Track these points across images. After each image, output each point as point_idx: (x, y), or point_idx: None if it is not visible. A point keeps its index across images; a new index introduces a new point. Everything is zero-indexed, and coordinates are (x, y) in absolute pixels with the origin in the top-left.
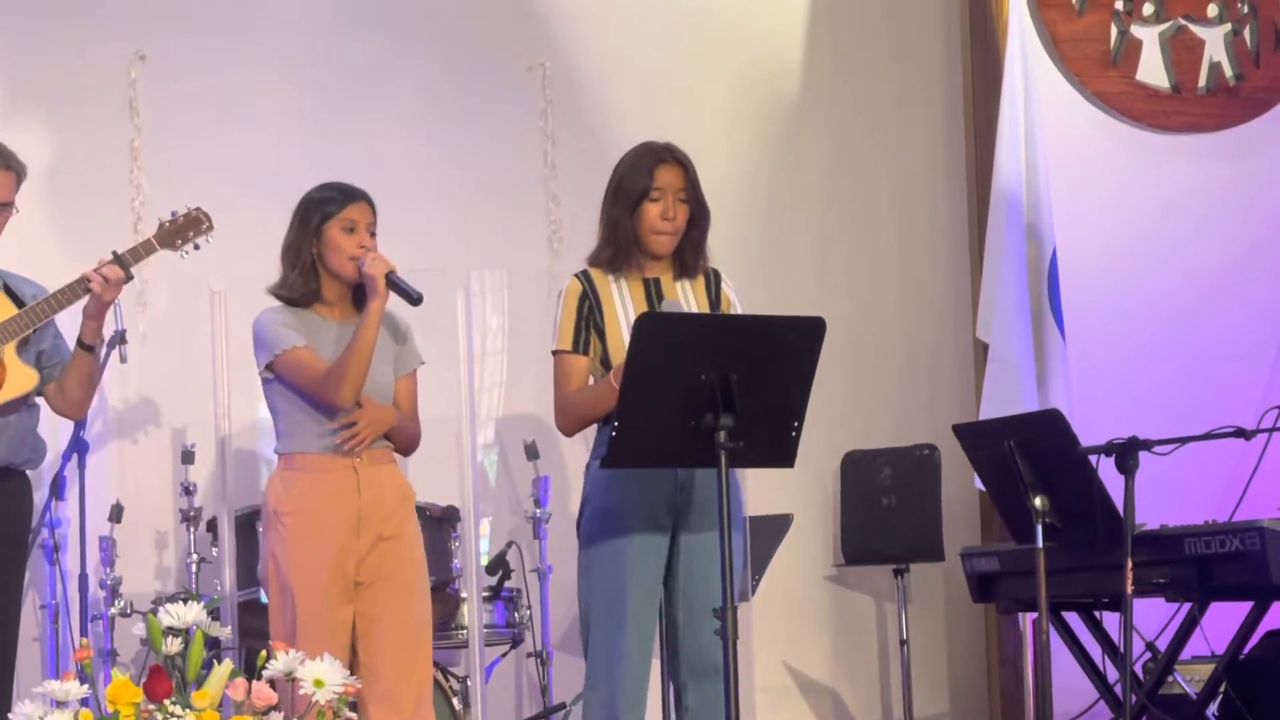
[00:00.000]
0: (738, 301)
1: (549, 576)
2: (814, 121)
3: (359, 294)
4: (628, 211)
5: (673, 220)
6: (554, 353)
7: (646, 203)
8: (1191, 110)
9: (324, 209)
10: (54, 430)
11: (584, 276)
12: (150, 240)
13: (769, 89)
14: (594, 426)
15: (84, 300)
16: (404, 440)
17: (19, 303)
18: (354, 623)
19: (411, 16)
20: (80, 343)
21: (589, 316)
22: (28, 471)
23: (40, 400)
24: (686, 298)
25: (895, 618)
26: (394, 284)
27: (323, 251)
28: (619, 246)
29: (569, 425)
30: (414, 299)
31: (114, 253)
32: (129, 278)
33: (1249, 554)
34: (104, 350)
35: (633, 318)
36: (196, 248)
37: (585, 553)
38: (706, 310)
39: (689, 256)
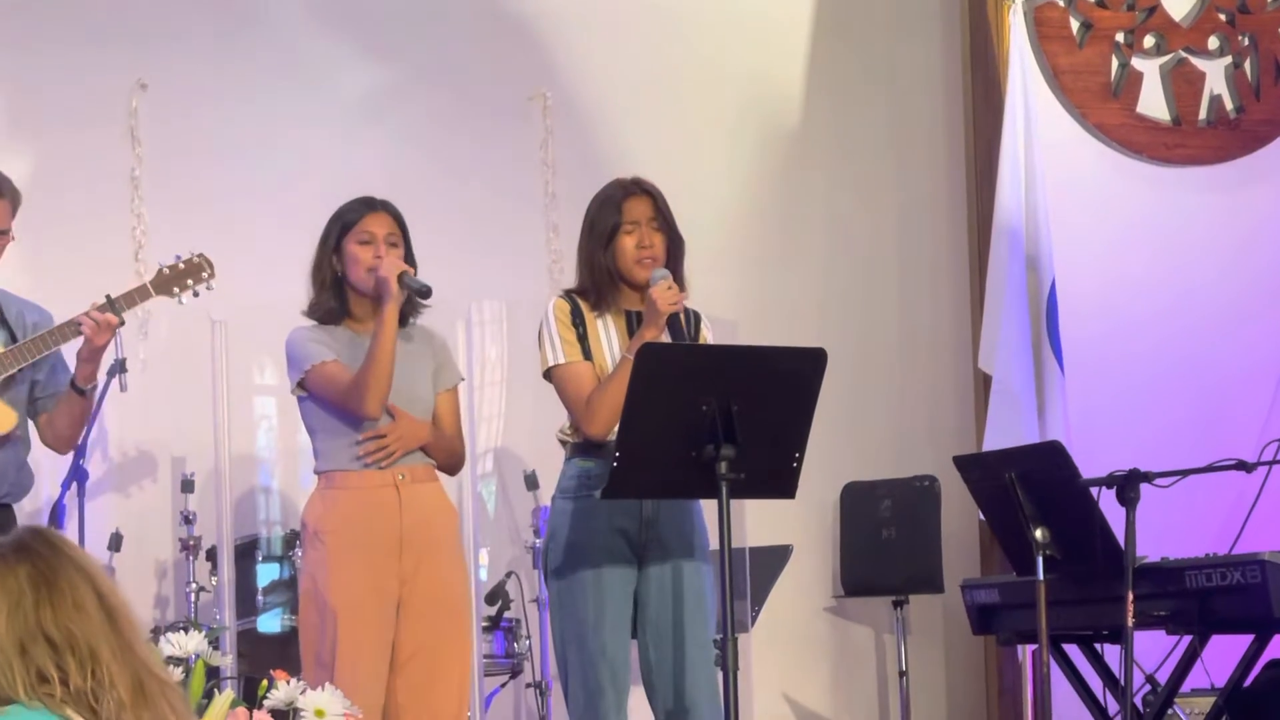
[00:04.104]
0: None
1: (548, 607)
2: (814, 152)
3: None
4: (602, 249)
5: (650, 248)
6: (553, 369)
7: (621, 236)
8: (1192, 143)
9: (342, 222)
10: (53, 459)
11: (569, 297)
12: (146, 286)
13: (769, 120)
14: (563, 459)
15: (74, 341)
16: (445, 457)
17: (11, 335)
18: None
19: (413, 47)
20: (73, 385)
21: (580, 333)
22: (12, 505)
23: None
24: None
25: (895, 649)
26: (405, 284)
27: (344, 267)
28: (598, 287)
29: (605, 421)
30: (424, 293)
31: (107, 296)
32: (121, 323)
33: (1250, 587)
34: (103, 380)
35: (616, 350)
36: (195, 295)
37: (554, 588)
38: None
39: None
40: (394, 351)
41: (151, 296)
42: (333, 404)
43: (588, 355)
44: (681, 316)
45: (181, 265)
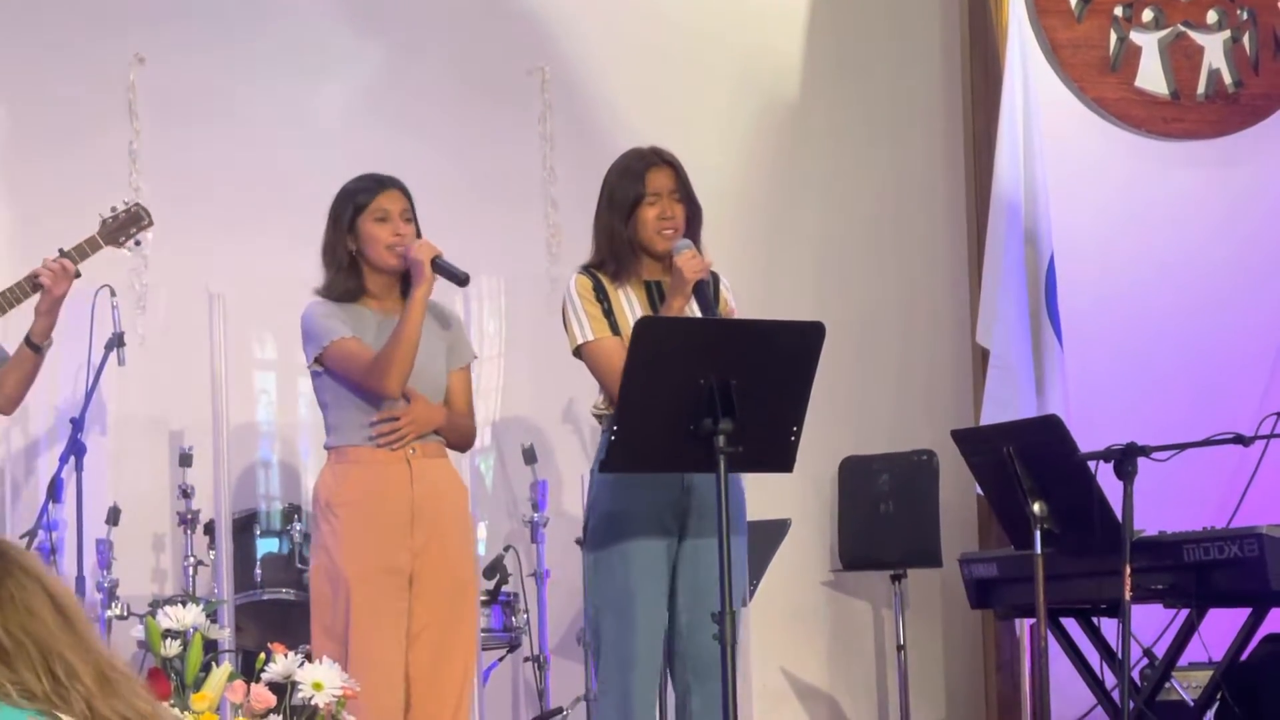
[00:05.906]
0: (734, 303)
1: (547, 580)
2: (813, 126)
3: (407, 283)
4: (623, 220)
5: (672, 219)
6: (583, 346)
7: (644, 207)
8: (1190, 117)
9: (354, 202)
10: (52, 432)
11: (589, 272)
12: (95, 237)
13: (768, 93)
14: (598, 429)
15: (33, 299)
16: (457, 437)
17: None
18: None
19: (412, 21)
20: (29, 342)
21: (606, 308)
22: None
23: None
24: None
25: (893, 623)
26: (439, 268)
27: (360, 247)
28: (618, 257)
29: None
30: (461, 280)
31: (60, 250)
32: (78, 274)
33: (1247, 560)
34: (102, 354)
35: None
36: (137, 243)
37: (592, 557)
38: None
39: None
40: (419, 333)
41: (101, 247)
42: (351, 380)
43: (614, 329)
44: (708, 284)
45: (122, 215)
